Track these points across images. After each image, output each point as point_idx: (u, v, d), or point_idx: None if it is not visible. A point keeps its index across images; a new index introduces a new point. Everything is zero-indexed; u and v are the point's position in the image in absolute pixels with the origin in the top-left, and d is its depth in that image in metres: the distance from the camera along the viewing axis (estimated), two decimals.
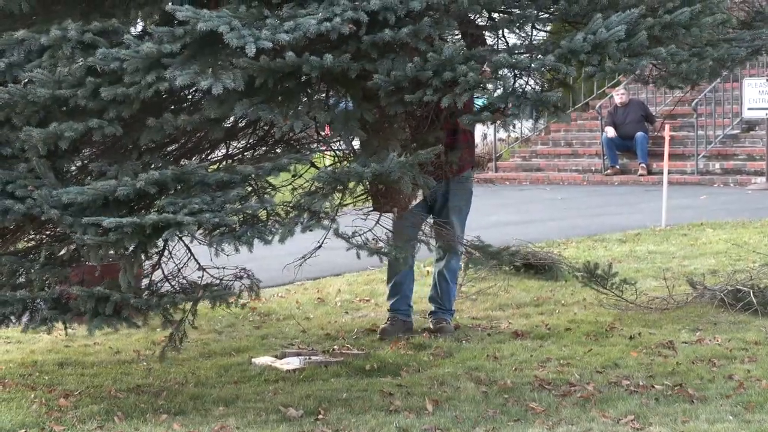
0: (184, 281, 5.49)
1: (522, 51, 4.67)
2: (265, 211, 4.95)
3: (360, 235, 5.65)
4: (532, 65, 4.46)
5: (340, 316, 7.31)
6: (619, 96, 16.32)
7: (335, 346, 6.34)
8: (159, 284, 5.48)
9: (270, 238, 4.57)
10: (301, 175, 5.46)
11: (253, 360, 6.05)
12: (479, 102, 4.89)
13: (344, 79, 4.56)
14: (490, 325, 6.88)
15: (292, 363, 5.89)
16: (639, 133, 15.87)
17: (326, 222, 4.83)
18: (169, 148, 5.47)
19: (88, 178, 4.84)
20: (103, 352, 6.41)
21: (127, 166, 4.60)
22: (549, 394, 5.20)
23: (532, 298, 7.62)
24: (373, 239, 5.73)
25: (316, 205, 4.57)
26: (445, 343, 6.37)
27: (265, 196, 5.29)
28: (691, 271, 8.31)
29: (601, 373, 5.60)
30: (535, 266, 8.39)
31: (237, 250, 4.68)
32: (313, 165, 5.40)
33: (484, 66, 4.53)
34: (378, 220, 5.93)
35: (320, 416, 4.89)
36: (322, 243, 5.70)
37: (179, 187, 4.46)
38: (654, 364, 5.77)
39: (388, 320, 6.63)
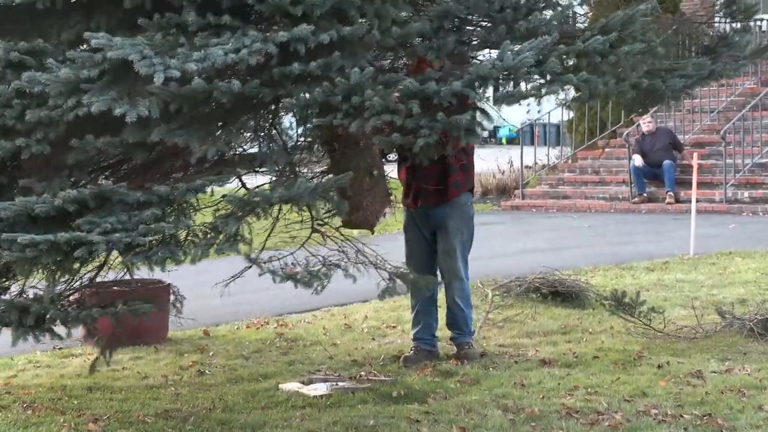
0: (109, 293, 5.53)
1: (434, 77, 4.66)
2: (185, 231, 4.95)
3: (279, 259, 5.70)
4: (441, 91, 4.47)
5: (367, 343, 7.31)
6: (646, 124, 16.28)
7: (362, 373, 6.33)
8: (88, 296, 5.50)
9: (183, 258, 4.61)
10: (221, 198, 5.41)
11: (280, 386, 6.06)
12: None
13: (260, 105, 4.62)
14: (517, 352, 6.86)
15: (319, 389, 5.90)
16: (666, 161, 15.81)
17: (242, 245, 4.82)
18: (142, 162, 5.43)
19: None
20: (132, 377, 6.45)
21: (55, 184, 4.67)
22: (576, 423, 5.17)
23: (560, 326, 7.59)
24: (293, 264, 5.74)
25: (228, 228, 4.60)
26: (472, 370, 6.36)
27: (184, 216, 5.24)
28: (720, 300, 8.24)
29: (629, 402, 5.56)
30: (562, 294, 8.39)
31: (151, 270, 4.71)
32: (244, 186, 5.41)
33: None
34: (303, 243, 5.87)
35: None
36: (245, 270, 5.74)
37: (103, 205, 4.51)
38: (683, 393, 5.73)
39: (411, 349, 6.64)
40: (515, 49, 4.52)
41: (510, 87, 4.54)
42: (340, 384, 6.01)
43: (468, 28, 4.91)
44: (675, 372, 6.19)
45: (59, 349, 7.06)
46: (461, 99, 4.55)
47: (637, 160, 16.00)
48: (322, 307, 8.55)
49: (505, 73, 4.47)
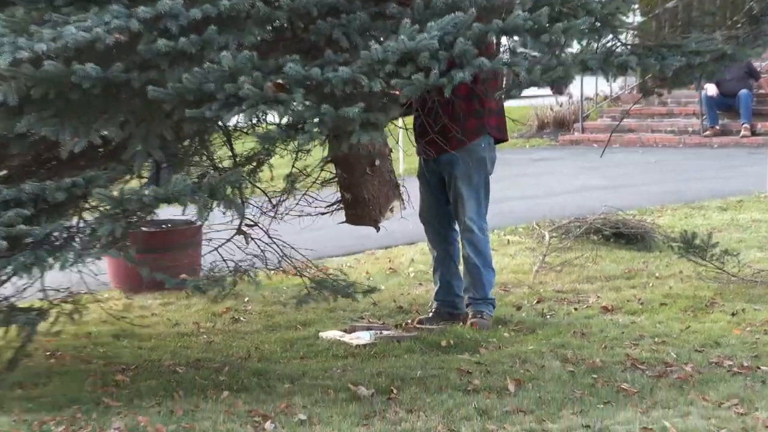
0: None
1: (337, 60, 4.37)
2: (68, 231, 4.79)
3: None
4: (332, 78, 4.20)
5: (414, 288, 7.30)
6: None
7: (408, 320, 6.33)
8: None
9: (52, 264, 4.46)
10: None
11: (320, 334, 6.07)
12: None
13: (130, 92, 4.39)
14: (576, 298, 6.82)
15: (361, 338, 5.89)
16: (743, 91, 15.51)
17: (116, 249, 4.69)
18: None
19: None
20: (161, 324, 6.48)
21: None
22: (642, 375, 5.14)
23: (623, 270, 7.55)
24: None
25: (103, 230, 4.47)
26: (528, 318, 6.34)
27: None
28: None
29: (700, 353, 5.51)
30: (626, 235, 8.37)
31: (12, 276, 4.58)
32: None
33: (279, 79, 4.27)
34: (221, 245, 5.76)
35: (393, 395, 4.88)
36: None
37: None
38: (759, 343, 5.65)
39: (430, 310, 6.45)
40: (416, 28, 4.19)
41: (407, 74, 4.20)
42: (385, 332, 6.00)
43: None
44: (750, 320, 6.12)
45: (84, 293, 7.11)
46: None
47: (711, 90, 15.71)
48: (365, 249, 8.59)
49: (404, 56, 4.16)
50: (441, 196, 6.28)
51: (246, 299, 7.05)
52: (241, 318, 6.60)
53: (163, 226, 7.46)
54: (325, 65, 4.32)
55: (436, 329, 6.05)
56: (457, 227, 6.33)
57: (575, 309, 6.55)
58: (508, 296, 6.90)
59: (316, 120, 4.23)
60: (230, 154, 5.77)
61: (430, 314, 6.38)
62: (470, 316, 6.22)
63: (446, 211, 6.31)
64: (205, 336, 6.17)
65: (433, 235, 6.39)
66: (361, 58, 4.22)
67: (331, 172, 5.93)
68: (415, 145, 6.24)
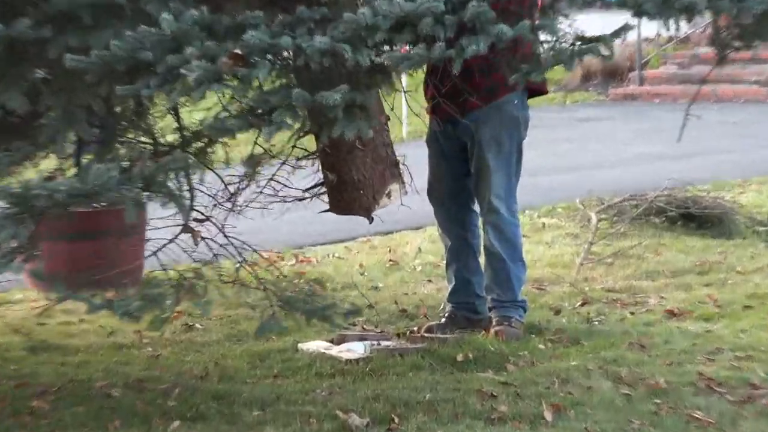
0: None
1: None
2: None
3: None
4: (306, 48, 4.19)
5: (421, 285, 7.34)
6: None
7: (414, 327, 6.34)
8: None
9: None
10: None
11: (299, 346, 6.08)
12: None
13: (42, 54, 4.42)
14: (633, 300, 6.87)
15: (353, 350, 5.91)
16: None
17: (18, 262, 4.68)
18: None
19: None
20: (92, 334, 6.49)
21: None
22: (720, 400, 5.14)
23: (694, 263, 7.62)
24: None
25: (3, 235, 4.47)
26: (570, 325, 6.35)
27: None
28: None
29: None
30: (698, 217, 8.48)
31: None
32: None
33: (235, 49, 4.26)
34: (161, 248, 5.76)
35: (393, 425, 4.89)
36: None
37: None
38: None
39: (442, 314, 6.45)
40: None
41: (403, 41, 4.22)
42: (384, 343, 6.02)
43: None
44: None
45: None
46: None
47: None
48: (358, 236, 8.68)
49: (400, 22, 4.16)
50: (458, 166, 6.25)
51: (203, 300, 7.02)
52: (197, 325, 6.62)
53: (95, 205, 7.39)
54: (296, 24, 4.30)
55: (450, 339, 6.05)
56: (477, 208, 6.30)
57: (631, 313, 6.59)
58: (543, 297, 6.92)
59: (286, 103, 4.24)
60: (176, 125, 5.78)
61: (443, 320, 6.39)
62: (494, 323, 6.22)
63: (464, 187, 6.29)
64: (149, 348, 6.18)
65: (446, 218, 6.38)
66: (345, 22, 4.20)
67: (306, 150, 5.93)
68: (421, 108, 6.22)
